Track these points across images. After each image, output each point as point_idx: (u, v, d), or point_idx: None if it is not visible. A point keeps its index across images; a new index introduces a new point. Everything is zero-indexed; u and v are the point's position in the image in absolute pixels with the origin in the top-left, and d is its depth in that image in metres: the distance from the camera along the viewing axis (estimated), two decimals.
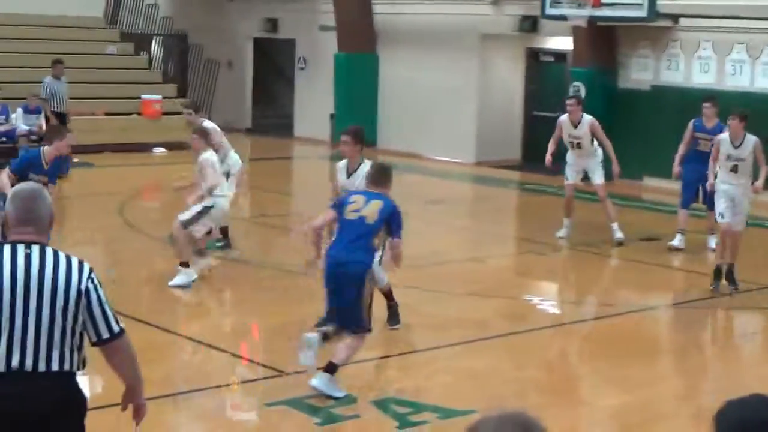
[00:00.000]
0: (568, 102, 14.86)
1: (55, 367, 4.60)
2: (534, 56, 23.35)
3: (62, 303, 4.62)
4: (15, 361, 4.55)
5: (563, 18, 19.08)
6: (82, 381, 4.92)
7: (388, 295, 10.31)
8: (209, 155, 12.12)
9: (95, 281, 4.74)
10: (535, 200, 19.07)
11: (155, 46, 28.06)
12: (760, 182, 12.14)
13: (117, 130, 22.96)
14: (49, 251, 4.72)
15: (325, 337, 8.54)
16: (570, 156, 14.99)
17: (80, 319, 4.68)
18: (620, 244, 14.44)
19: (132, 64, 26.02)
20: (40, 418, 4.57)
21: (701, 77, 19.63)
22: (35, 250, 4.69)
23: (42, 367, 4.58)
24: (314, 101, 26.21)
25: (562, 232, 14.79)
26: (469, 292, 12.28)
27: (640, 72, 20.54)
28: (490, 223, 16.17)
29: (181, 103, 16.48)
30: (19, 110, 20.42)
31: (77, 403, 4.76)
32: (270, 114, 29.41)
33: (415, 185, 18.99)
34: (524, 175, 21.69)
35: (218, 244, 13.42)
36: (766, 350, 10.90)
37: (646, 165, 19.25)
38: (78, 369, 4.73)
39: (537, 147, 23.16)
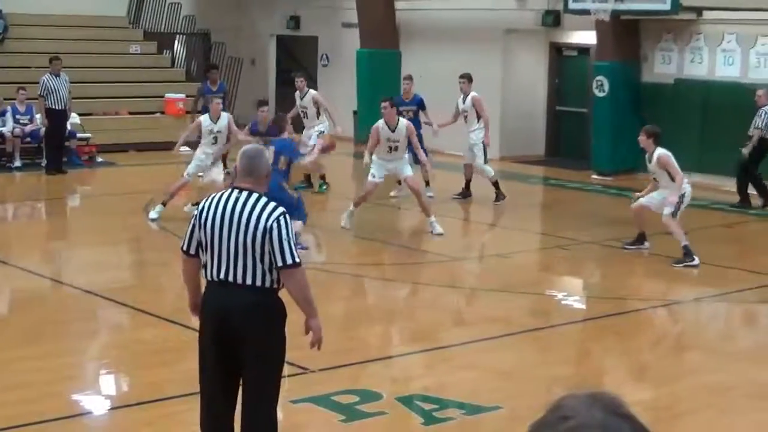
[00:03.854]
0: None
1: (249, 281, 6.04)
2: (557, 51, 23.29)
3: (252, 235, 6.01)
4: (222, 274, 6.08)
5: (586, 12, 19.01)
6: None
7: None
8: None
9: (281, 222, 6.01)
10: (558, 195, 19.01)
11: (178, 45, 28.09)
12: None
13: (141, 129, 23.03)
14: (253, 197, 6.12)
15: None
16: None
17: (266, 248, 6.00)
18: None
19: (155, 63, 26.07)
20: (239, 316, 6.04)
21: (725, 70, 19.50)
22: (244, 194, 6.13)
23: (240, 280, 6.05)
24: (337, 98, 26.12)
25: None
26: (493, 287, 12.26)
27: (664, 65, 20.44)
28: (513, 219, 16.13)
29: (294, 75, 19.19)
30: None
31: (270, 311, 6.13)
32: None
33: (438, 181, 18.95)
34: (548, 170, 21.65)
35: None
36: None
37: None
38: (274, 285, 6.10)
39: (560, 142, 23.18)
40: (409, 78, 18.64)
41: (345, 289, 12.42)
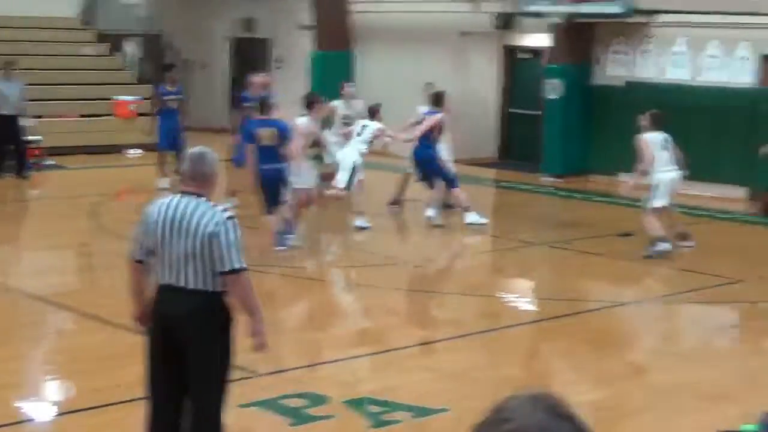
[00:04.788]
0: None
1: (191, 285, 6.03)
2: (511, 53, 23.34)
3: (195, 240, 5.99)
4: (171, 278, 6.08)
5: (539, 15, 19.12)
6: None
7: None
8: None
9: (226, 227, 5.99)
10: (510, 197, 19.08)
11: (131, 47, 27.92)
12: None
13: (92, 131, 22.84)
14: (197, 201, 6.08)
15: None
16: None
17: (209, 253, 5.97)
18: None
19: (107, 65, 25.87)
20: (183, 320, 6.05)
21: (676, 73, 19.66)
22: (189, 199, 6.09)
23: (187, 285, 6.04)
24: (291, 101, 26.11)
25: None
26: (444, 290, 12.28)
27: (616, 68, 20.56)
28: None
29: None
30: None
31: (217, 315, 6.12)
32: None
33: (391, 183, 18.98)
34: (500, 173, 21.70)
35: None
36: (738, 343, 10.93)
37: (622, 161, 19.18)
38: (222, 290, 6.08)
39: (513, 144, 23.24)
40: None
41: (294, 291, 12.39)
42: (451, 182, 15.39)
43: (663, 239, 13.41)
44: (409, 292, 12.17)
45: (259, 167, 13.11)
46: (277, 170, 13.05)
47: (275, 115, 13.50)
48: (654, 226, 13.41)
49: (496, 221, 16.70)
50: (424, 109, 16.13)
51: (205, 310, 6.09)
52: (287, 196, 13.29)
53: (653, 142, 13.51)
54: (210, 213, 6.04)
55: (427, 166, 15.32)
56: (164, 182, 17.55)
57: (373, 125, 15.23)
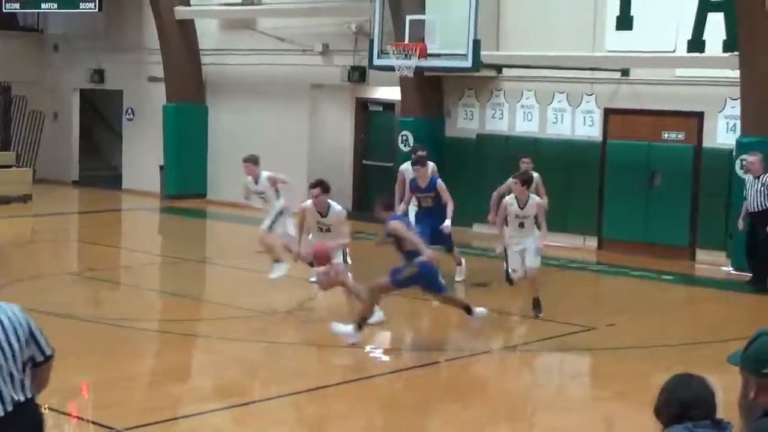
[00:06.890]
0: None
1: (12, 399, 4.90)
2: (363, 106, 23.61)
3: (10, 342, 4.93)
4: None
5: (391, 69, 19.37)
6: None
7: None
8: None
9: (26, 314, 5.05)
10: (364, 248, 19.14)
11: None
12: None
13: None
14: None
15: None
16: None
17: (23, 349, 4.99)
18: None
19: None
20: None
21: (525, 125, 20.17)
22: None
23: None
24: (143, 153, 25.90)
25: None
26: (304, 341, 12.26)
27: (467, 121, 20.99)
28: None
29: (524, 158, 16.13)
30: None
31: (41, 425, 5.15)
32: (97, 166, 28.95)
33: (245, 236, 18.90)
34: (355, 224, 21.78)
35: None
36: (594, 390, 11.18)
37: (475, 212, 19.55)
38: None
39: (367, 196, 23.42)
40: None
41: (152, 345, 12.21)
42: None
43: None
44: (266, 344, 12.10)
45: None
46: None
47: None
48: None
49: (353, 273, 16.79)
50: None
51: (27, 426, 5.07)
52: None
53: None
54: (7, 307, 5.05)
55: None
56: None
57: None
